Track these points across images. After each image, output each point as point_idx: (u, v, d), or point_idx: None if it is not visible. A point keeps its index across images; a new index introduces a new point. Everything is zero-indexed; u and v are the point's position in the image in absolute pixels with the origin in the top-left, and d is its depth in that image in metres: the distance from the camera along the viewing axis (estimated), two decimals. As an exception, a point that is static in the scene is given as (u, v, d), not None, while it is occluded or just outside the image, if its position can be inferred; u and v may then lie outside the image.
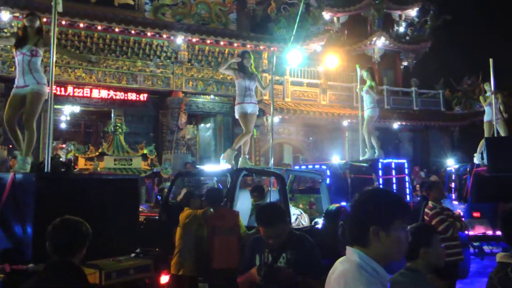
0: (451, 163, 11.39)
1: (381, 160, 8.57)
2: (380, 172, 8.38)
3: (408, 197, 8.81)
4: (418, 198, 8.45)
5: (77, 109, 17.45)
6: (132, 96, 16.18)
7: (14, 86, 5.07)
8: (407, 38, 20.40)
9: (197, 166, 9.45)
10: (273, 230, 3.15)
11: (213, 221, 5.28)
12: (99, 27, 14.33)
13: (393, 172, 8.66)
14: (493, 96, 9.95)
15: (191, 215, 5.57)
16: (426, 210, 5.46)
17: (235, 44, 16.16)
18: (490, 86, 10.09)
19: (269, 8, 17.41)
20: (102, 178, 4.76)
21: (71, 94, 15.61)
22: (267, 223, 3.16)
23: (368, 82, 9.42)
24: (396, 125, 18.35)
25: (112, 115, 17.18)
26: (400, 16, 20.57)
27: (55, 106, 16.75)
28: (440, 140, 19.55)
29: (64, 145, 16.98)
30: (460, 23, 19.88)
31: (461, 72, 20.21)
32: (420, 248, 2.58)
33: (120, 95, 15.99)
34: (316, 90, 18.09)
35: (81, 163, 10.90)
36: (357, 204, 1.83)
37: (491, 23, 20.74)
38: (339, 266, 1.82)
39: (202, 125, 20.16)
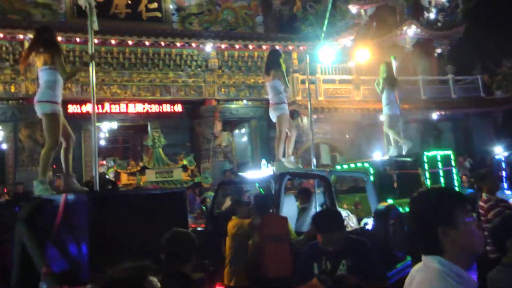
0: (499, 151, 10.95)
1: (426, 153, 8.29)
2: (426, 166, 8.10)
3: (458, 190, 8.49)
4: (469, 191, 8.13)
5: (114, 125, 17.79)
6: (166, 107, 16.39)
7: (58, 104, 5.01)
8: (439, 24, 19.81)
9: (239, 173, 9.43)
10: (333, 237, 3.07)
11: (262, 229, 5.20)
12: (130, 42, 14.57)
13: (439, 165, 8.36)
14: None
15: (238, 225, 5.51)
16: (480, 203, 5.20)
17: (264, 47, 16.11)
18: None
19: (295, 7, 17.30)
20: (150, 193, 4.77)
21: (108, 111, 15.94)
22: (326, 229, 3.07)
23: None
24: (435, 115, 17.80)
25: (149, 128, 17.42)
26: (429, 2, 19.98)
27: (93, 124, 17.14)
28: (483, 127, 18.83)
29: (104, 162, 17.34)
30: (494, 3, 19.13)
31: (499, 55, 19.43)
32: (507, 240, 2.46)
33: (155, 108, 16.23)
34: (349, 86, 17.80)
35: (124, 178, 11.07)
36: (413, 214, 1.75)
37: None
38: (418, 275, 1.71)
39: (236, 131, 20.18)
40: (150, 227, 4.23)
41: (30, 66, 14.19)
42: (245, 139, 20.07)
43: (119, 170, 10.91)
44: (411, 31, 18.75)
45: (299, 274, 3.32)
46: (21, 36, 13.69)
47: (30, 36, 13.63)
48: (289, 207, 6.33)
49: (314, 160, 6.90)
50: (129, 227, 4.12)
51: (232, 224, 5.55)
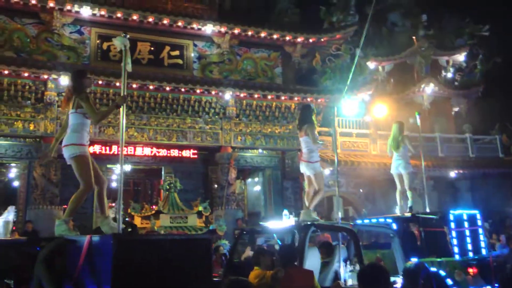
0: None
1: (452, 211, 8.04)
2: (452, 224, 7.83)
3: (484, 251, 8.16)
4: (505, 250, 7.81)
5: (128, 167, 17.77)
6: (182, 153, 16.38)
7: (85, 145, 4.98)
8: (456, 83, 19.96)
9: (260, 223, 9.23)
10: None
11: (286, 282, 4.94)
12: (150, 87, 14.75)
13: (466, 224, 8.08)
14: None
15: (260, 275, 5.25)
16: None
17: (283, 98, 16.24)
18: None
19: (314, 60, 17.53)
20: (175, 239, 4.58)
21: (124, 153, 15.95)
22: (372, 285, 2.86)
23: (403, 137, 9.27)
24: (452, 173, 17.57)
25: (162, 172, 17.35)
26: (447, 61, 20.23)
27: (108, 166, 17.15)
28: (502, 188, 18.46)
29: (113, 204, 17.17)
30: (512, 65, 19.35)
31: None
32: None
33: (170, 153, 16.23)
34: (366, 140, 17.76)
35: (137, 222, 10.86)
36: None
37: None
38: None
39: (249, 180, 20.03)
40: (175, 273, 4.03)
41: (51, 105, 14.47)
42: (257, 188, 19.88)
43: (133, 213, 10.72)
44: (429, 88, 18.86)
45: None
46: (45, 76, 13.93)
47: (54, 76, 13.91)
48: (313, 260, 6.08)
49: (339, 213, 6.68)
50: (154, 272, 3.93)
51: (254, 275, 5.29)
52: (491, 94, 19.11)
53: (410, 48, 19.02)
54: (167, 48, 16.45)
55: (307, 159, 6.97)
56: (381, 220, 8.54)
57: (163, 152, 16.17)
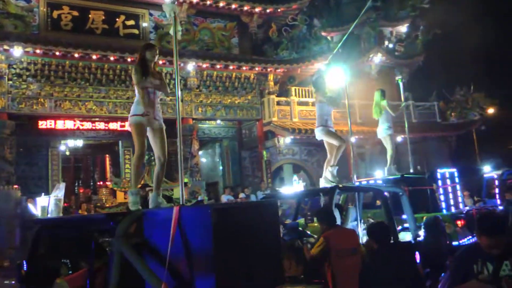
0: (487, 170, 11.84)
1: (439, 170, 8.81)
2: (440, 182, 8.60)
3: (461, 205, 9.06)
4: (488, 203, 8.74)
5: (80, 142, 17.09)
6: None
7: (138, 115, 4.80)
8: (397, 53, 21.10)
9: (278, 189, 9.38)
10: (499, 239, 3.22)
11: (336, 242, 5.16)
12: (111, 58, 14.16)
13: (448, 181, 8.90)
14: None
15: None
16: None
17: (244, 68, 16.30)
18: None
19: (270, 31, 17.69)
20: (254, 205, 4.70)
21: (80, 127, 15.34)
22: (494, 232, 3.21)
23: (384, 102, 9.90)
24: (399, 138, 18.78)
25: (120, 146, 16.90)
26: (391, 32, 21.30)
27: (62, 141, 16.34)
28: (439, 151, 20.14)
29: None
30: (449, 37, 20.86)
31: (453, 84, 21.15)
32: None
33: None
34: (321, 108, 18.37)
35: (120, 196, 10.56)
36: None
37: (479, 34, 21.89)
38: None
39: (201, 151, 20.00)
40: (255, 238, 4.10)
41: (1, 78, 13.41)
42: (211, 159, 19.96)
43: (115, 188, 10.42)
44: (377, 58, 19.80)
45: (456, 276, 3.42)
46: (-5, 47, 12.88)
47: (6, 47, 12.88)
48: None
49: (354, 176, 7.10)
50: (246, 239, 3.93)
51: None
52: (431, 64, 20.53)
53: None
54: (122, 17, 15.81)
55: (316, 124, 7.19)
56: (371, 182, 9.13)
57: (122, 126, 15.67)
